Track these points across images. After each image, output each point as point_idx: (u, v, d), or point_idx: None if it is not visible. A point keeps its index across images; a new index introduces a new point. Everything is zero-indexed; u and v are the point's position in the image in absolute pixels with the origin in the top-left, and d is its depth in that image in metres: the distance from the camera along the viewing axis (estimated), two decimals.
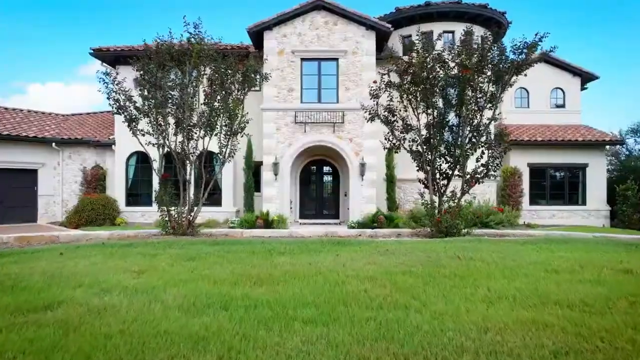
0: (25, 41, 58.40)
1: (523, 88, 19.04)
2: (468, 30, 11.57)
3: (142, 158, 16.34)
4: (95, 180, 16.31)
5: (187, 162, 12.47)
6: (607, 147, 19.15)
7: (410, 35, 16.26)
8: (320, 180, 17.51)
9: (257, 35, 15.31)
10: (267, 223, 13.05)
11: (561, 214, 17.19)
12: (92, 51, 15.72)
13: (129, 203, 16.35)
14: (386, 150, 14.86)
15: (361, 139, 15.13)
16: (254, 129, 15.98)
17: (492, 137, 12.47)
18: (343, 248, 8.31)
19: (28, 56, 60.80)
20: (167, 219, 12.02)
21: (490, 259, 6.78)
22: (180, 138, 12.44)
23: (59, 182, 16.90)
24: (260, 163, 15.38)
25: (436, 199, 11.83)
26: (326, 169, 17.39)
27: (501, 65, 11.13)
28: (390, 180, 15.10)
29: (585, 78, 19.51)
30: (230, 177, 16.34)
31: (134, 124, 12.13)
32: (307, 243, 8.76)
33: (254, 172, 15.68)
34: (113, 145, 16.26)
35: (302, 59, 15.22)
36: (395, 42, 16.46)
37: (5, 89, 53.02)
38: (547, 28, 37.11)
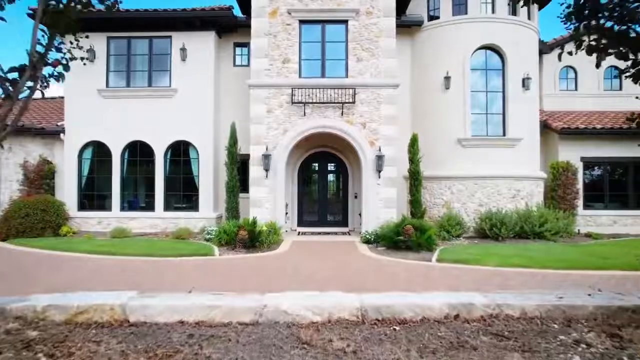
0: None
1: (570, 67, 15.64)
2: None
3: (100, 150, 12.95)
4: (39, 179, 12.89)
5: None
6: None
7: None
8: (324, 178, 14.10)
9: None
10: (253, 236, 9.64)
11: (624, 220, 13.76)
12: (30, 11, 12.30)
13: (82, 207, 12.95)
14: (411, 138, 11.51)
15: (377, 124, 11.73)
16: (239, 113, 12.61)
17: None
18: None
19: None
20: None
21: None
22: None
23: None
24: (248, 157, 11.99)
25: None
26: (332, 163, 13.98)
27: None
28: (415, 178, 11.69)
29: None
30: (210, 174, 12.94)
31: None
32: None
33: (240, 168, 12.32)
34: (62, 134, 12.85)
35: (301, 22, 11.83)
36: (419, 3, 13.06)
37: None
38: None
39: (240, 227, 9.68)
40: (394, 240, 9.53)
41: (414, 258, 8.88)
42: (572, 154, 13.83)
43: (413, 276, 7.15)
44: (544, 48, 14.94)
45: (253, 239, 9.64)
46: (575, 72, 15.66)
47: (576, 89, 15.67)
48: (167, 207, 12.94)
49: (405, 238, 9.39)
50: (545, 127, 13.77)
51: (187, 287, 4.69)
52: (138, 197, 13.15)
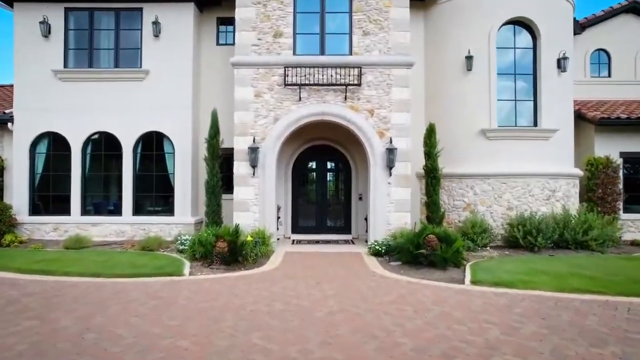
0: None
1: (602, 50, 13.73)
2: None
3: (57, 142, 10.89)
4: None
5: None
6: None
7: None
8: (322, 176, 12.12)
9: None
10: (235, 248, 7.61)
11: None
12: None
13: (35, 211, 10.88)
14: (427, 128, 9.58)
15: (388, 111, 9.75)
16: (224, 100, 10.63)
17: None
18: None
19: None
20: None
21: None
22: None
23: None
24: (233, 151, 9.96)
25: None
26: (332, 159, 12.01)
27: None
28: (433, 176, 9.72)
29: None
30: (188, 171, 10.90)
31: None
32: None
33: (223, 164, 10.33)
34: (10, 124, 10.77)
35: None
36: None
37: None
38: None
39: (219, 237, 7.66)
40: (413, 254, 7.53)
41: (440, 278, 6.91)
42: (609, 148, 11.90)
43: (451, 309, 5.18)
44: (575, 27, 13.00)
45: (234, 253, 7.62)
46: (609, 56, 13.73)
47: (609, 76, 13.74)
48: (138, 210, 10.90)
49: (428, 252, 7.41)
50: (579, 118, 11.84)
51: (115, 342, 2.67)
52: (102, 198, 11.09)
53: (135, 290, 5.98)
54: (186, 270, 7.20)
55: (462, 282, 6.70)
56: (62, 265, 7.22)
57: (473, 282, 6.57)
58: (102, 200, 11.08)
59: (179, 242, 9.12)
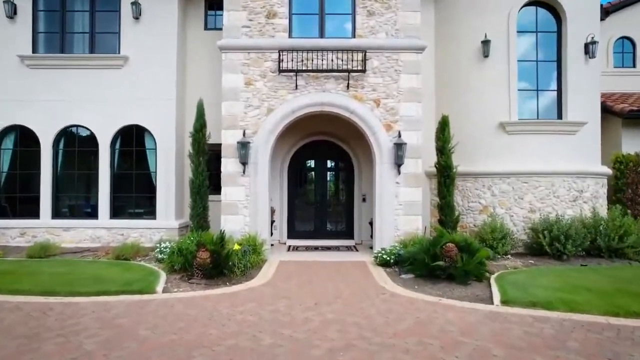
0: None
1: (627, 38, 12.62)
2: None
3: (25, 137, 9.74)
4: None
5: None
6: None
7: None
8: (322, 176, 10.98)
9: None
10: (219, 259, 6.46)
11: None
12: None
13: (1, 213, 9.73)
14: (441, 119, 8.51)
15: (396, 102, 8.62)
16: (210, 91, 9.54)
17: None
18: None
19: None
20: None
21: None
22: None
23: None
24: (221, 147, 8.81)
25: None
26: (332, 156, 10.89)
27: None
28: (446, 174, 8.60)
29: None
30: (172, 169, 9.76)
31: None
32: None
33: (209, 162, 9.20)
34: None
35: None
36: None
37: None
38: None
39: (200, 245, 6.51)
40: (429, 266, 6.39)
41: (463, 296, 5.78)
42: (638, 144, 10.79)
43: (486, 343, 4.06)
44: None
45: (218, 265, 6.48)
46: (634, 45, 12.62)
47: (634, 66, 12.62)
48: (116, 213, 9.76)
49: (447, 263, 6.27)
50: (604, 111, 10.71)
51: None
52: (76, 200, 9.94)
53: (89, 315, 4.83)
54: (159, 286, 6.05)
55: (490, 301, 5.58)
56: (13, 281, 6.06)
57: (504, 302, 5.44)
58: (75, 202, 9.92)
59: (158, 249, 7.97)
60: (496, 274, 6.75)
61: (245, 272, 6.92)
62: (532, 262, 8.14)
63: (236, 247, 6.79)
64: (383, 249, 7.91)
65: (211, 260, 6.40)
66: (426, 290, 6.08)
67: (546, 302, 5.32)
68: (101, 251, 8.69)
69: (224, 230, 7.24)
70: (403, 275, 6.84)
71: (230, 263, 6.67)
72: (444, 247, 6.39)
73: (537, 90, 9.55)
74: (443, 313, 5.04)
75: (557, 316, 4.95)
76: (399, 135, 8.45)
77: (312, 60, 8.48)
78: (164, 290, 5.96)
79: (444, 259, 6.32)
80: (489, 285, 6.26)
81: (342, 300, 5.51)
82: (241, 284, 6.39)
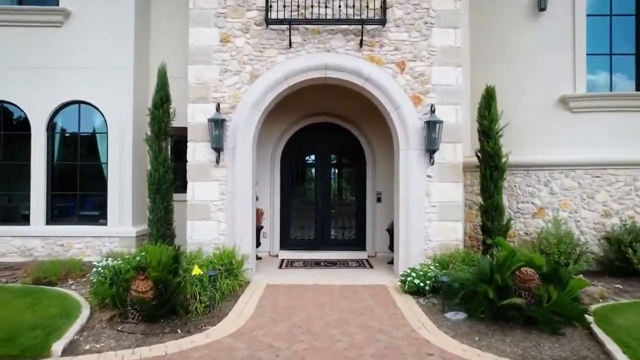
0: None
1: None
2: None
3: None
4: None
5: None
6: None
7: None
8: (325, 168, 8.61)
9: None
10: (167, 293, 4.14)
11: None
12: None
13: None
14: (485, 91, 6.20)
15: (427, 65, 6.28)
16: (181, 58, 7.20)
17: None
18: None
19: None
20: None
21: None
22: None
23: None
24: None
25: None
26: (338, 143, 8.55)
27: None
28: (493, 165, 6.29)
29: None
30: (128, 159, 7.41)
31: None
32: None
33: (177, 150, 6.89)
34: None
35: None
36: None
37: None
38: None
39: (140, 269, 4.17)
40: (498, 305, 4.04)
41: (562, 358, 3.45)
42: None
43: None
44: None
45: (167, 301, 4.14)
46: None
47: None
48: (55, 217, 7.45)
49: (527, 300, 3.94)
50: None
51: None
52: (0, 201, 7.62)
53: None
54: (63, 340, 3.71)
55: None
56: None
57: None
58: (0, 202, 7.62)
59: (94, 270, 5.63)
60: (594, 313, 4.40)
61: (211, 308, 4.59)
62: (619, 286, 5.83)
63: (196, 271, 4.43)
64: (412, 269, 5.57)
65: (154, 295, 4.08)
66: (495, 345, 3.76)
67: None
68: (24, 269, 6.30)
69: (179, 247, 4.91)
70: (449, 315, 4.50)
71: (187, 296, 4.34)
72: (518, 273, 4.06)
73: (611, 54, 7.23)
74: None
75: None
76: (432, 111, 6.12)
77: (312, 8, 6.15)
78: (69, 351, 3.62)
79: (520, 293, 3.99)
80: (591, 333, 3.95)
81: None
82: (200, 332, 4.06)
